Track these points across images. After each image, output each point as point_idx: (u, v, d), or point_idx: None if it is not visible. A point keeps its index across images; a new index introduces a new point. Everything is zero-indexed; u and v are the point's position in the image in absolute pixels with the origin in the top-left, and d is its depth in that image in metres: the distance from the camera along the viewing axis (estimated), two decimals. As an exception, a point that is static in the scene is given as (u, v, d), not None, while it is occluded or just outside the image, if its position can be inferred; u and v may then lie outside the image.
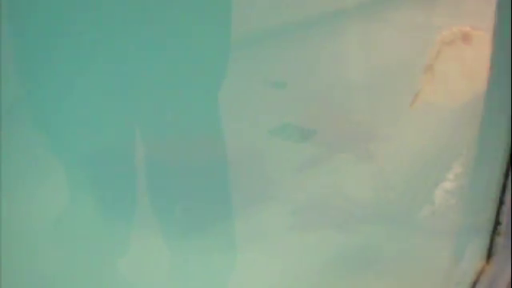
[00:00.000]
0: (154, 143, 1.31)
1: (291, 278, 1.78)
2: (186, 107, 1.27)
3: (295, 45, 3.78)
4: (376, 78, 3.40)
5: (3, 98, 1.16)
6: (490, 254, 2.11)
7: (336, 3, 4.73)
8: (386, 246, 1.98)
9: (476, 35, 2.20)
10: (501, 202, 2.08)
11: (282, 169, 2.13)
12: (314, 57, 3.75)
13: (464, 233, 2.18)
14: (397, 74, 3.46)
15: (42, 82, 1.14)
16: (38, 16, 1.05)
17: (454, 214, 2.17)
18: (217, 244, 1.52)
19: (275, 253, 1.79)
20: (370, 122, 2.62)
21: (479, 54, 1.99)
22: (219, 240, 1.54)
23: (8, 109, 1.80)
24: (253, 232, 1.85)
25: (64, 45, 1.06)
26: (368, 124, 2.62)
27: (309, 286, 1.76)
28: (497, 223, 2.10)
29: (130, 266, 1.38)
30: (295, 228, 1.98)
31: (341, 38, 4.10)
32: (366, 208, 2.11)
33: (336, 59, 3.64)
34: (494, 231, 2.13)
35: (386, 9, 4.91)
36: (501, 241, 2.07)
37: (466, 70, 2.24)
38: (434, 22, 4.49)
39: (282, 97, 2.87)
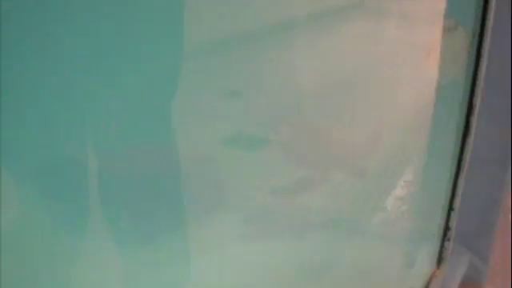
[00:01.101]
0: (104, 151, 1.29)
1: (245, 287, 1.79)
2: (138, 115, 1.26)
3: (250, 54, 4.03)
4: (327, 87, 3.55)
5: None
6: (440, 259, 2.15)
7: (288, 14, 4.77)
8: (338, 254, 2.00)
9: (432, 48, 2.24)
10: (450, 208, 2.12)
11: (235, 177, 2.14)
12: (268, 66, 3.74)
13: (415, 239, 2.21)
14: (347, 84, 3.72)
15: None
16: None
17: (405, 221, 2.20)
18: (168, 255, 1.52)
19: (227, 262, 1.80)
20: (322, 129, 2.64)
21: (431, 63, 2.03)
22: (171, 251, 1.54)
23: None
24: (205, 242, 1.85)
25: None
26: (321, 131, 2.64)
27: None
28: (446, 229, 2.15)
29: (79, 280, 1.38)
30: (248, 237, 1.99)
31: (293, 48, 4.12)
32: (317, 215, 2.13)
33: (289, 69, 3.66)
34: (444, 237, 2.17)
35: (336, 20, 4.99)
36: (450, 246, 2.11)
37: (419, 80, 2.28)
38: (385, 33, 4.58)
39: (237, 106, 2.89)
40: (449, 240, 2.20)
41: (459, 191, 2.11)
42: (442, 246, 2.23)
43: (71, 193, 1.36)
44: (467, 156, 2.06)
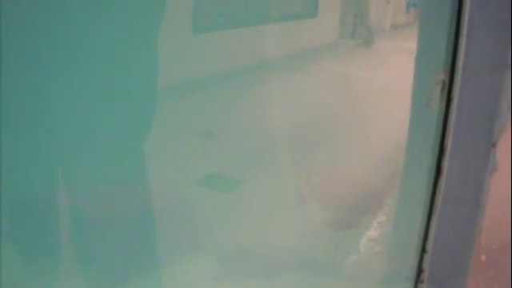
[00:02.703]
0: (78, 191, 1.38)
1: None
2: (112, 153, 1.33)
3: (222, 94, 3.65)
4: (299, 127, 3.38)
5: None
6: (413, 301, 2.10)
7: (261, 55, 4.26)
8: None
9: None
10: (423, 250, 2.09)
11: (208, 218, 2.20)
12: (240, 107, 3.51)
13: (389, 281, 2.18)
14: (320, 125, 3.58)
15: None
16: None
17: (378, 262, 2.18)
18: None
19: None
20: (295, 170, 2.65)
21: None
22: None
23: None
24: (179, 283, 1.91)
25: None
26: (294, 172, 2.65)
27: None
28: (420, 271, 2.10)
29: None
30: (221, 277, 2.03)
31: (266, 89, 3.83)
32: (291, 256, 2.14)
33: (261, 109, 3.51)
34: (418, 279, 2.13)
35: (310, 61, 4.94)
36: (424, 288, 2.06)
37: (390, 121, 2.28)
38: (357, 74, 4.49)
39: (209, 146, 2.95)
40: (422, 282, 2.14)
41: (432, 232, 2.07)
42: (416, 288, 2.18)
43: (42, 233, 1.44)
44: (439, 197, 2.03)
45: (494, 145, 1.91)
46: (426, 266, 2.08)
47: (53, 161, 1.33)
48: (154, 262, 1.64)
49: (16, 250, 1.39)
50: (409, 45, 2.18)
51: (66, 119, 1.24)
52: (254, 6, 4.94)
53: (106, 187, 1.35)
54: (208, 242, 2.12)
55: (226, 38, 4.32)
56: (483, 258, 2.22)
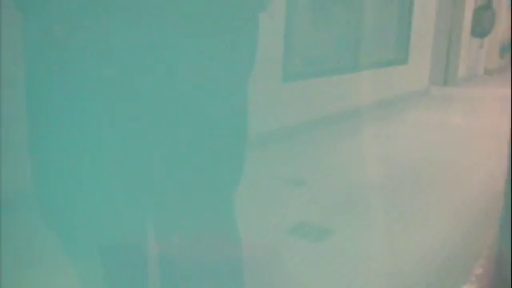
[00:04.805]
0: (166, 237, 1.38)
1: None
2: (202, 202, 1.33)
3: (313, 143, 3.72)
4: (392, 176, 3.25)
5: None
6: None
7: (352, 103, 4.27)
8: None
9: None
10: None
11: (297, 267, 2.17)
12: (332, 155, 3.49)
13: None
14: (413, 173, 3.37)
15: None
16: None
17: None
18: None
19: None
20: (386, 220, 2.57)
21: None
22: None
23: (10, 198, 1.99)
24: None
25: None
26: (385, 222, 2.57)
27: None
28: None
29: None
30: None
31: (357, 137, 3.82)
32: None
33: (352, 157, 3.43)
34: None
35: (401, 108, 4.78)
36: None
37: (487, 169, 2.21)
38: (451, 121, 4.31)
39: (300, 195, 2.92)
40: None
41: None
42: None
43: (129, 277, 1.46)
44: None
45: None
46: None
47: (143, 209, 1.33)
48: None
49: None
50: (503, 90, 2.10)
51: (157, 170, 1.23)
52: (344, 53, 4.94)
53: (196, 236, 1.32)
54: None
55: (316, 85, 4.33)
56: None
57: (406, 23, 5.86)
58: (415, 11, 5.79)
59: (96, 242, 1.33)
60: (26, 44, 1.18)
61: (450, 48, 7.28)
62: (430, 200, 2.92)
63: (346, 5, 4.71)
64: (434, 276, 2.21)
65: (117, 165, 1.21)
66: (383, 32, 5.68)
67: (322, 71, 4.29)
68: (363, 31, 4.70)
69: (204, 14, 1.12)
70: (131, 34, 1.12)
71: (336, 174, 3.22)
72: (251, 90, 1.28)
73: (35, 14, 1.15)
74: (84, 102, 1.14)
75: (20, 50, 1.18)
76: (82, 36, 1.11)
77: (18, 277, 1.82)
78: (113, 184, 1.23)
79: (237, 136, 1.30)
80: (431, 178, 3.19)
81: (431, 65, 6.67)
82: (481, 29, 6.83)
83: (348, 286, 2.10)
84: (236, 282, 1.54)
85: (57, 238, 1.30)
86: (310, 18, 4.36)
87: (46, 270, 1.86)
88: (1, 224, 2.03)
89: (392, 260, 2.24)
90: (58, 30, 1.09)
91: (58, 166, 1.23)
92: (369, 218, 2.56)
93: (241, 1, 1.20)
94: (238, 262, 1.45)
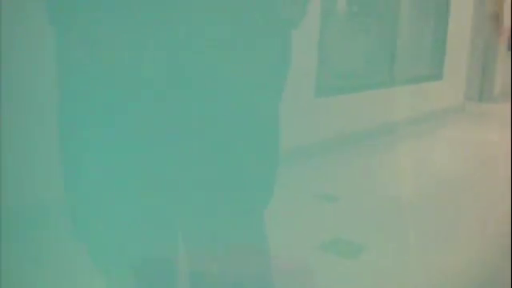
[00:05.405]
0: (199, 254, 1.39)
1: None
2: (233, 218, 1.34)
3: (346, 159, 3.70)
4: (427, 195, 3.17)
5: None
6: None
7: (386, 118, 4.23)
8: None
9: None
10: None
11: (330, 284, 2.15)
12: (365, 171, 3.47)
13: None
14: (449, 191, 3.29)
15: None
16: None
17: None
18: None
19: None
20: (423, 239, 2.53)
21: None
22: None
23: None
24: None
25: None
26: (421, 241, 2.53)
27: None
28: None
29: None
30: None
31: (391, 153, 3.78)
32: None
33: (388, 174, 3.37)
34: None
35: (436, 124, 4.70)
36: None
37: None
38: (487, 138, 4.21)
39: (334, 211, 2.89)
40: None
41: None
42: None
43: None
44: None
45: None
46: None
47: (175, 225, 1.33)
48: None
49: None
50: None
51: (190, 186, 1.23)
52: (379, 68, 4.92)
53: (227, 252, 1.32)
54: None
55: (350, 100, 4.31)
56: None
57: (441, 38, 5.82)
58: (450, 26, 5.75)
59: (127, 256, 1.33)
60: (59, 58, 1.18)
61: (486, 63, 7.20)
62: (466, 218, 2.89)
63: (380, 19, 4.69)
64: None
65: (149, 180, 1.21)
66: (418, 47, 5.65)
67: (356, 86, 4.27)
68: (398, 46, 4.67)
69: (237, 30, 1.12)
70: (165, 45, 1.12)
71: (370, 190, 3.20)
72: (284, 105, 1.27)
73: (69, 29, 1.15)
74: (124, 116, 1.14)
75: (54, 64, 1.19)
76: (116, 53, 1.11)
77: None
78: (144, 199, 1.23)
79: (269, 151, 1.30)
80: (467, 196, 3.15)
81: (467, 80, 6.61)
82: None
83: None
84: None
85: (88, 251, 1.30)
86: (344, 32, 4.35)
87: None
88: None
89: (426, 278, 2.21)
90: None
91: (92, 179, 1.23)
92: (403, 236, 2.53)
93: (273, 15, 1.20)
94: (270, 278, 1.44)
